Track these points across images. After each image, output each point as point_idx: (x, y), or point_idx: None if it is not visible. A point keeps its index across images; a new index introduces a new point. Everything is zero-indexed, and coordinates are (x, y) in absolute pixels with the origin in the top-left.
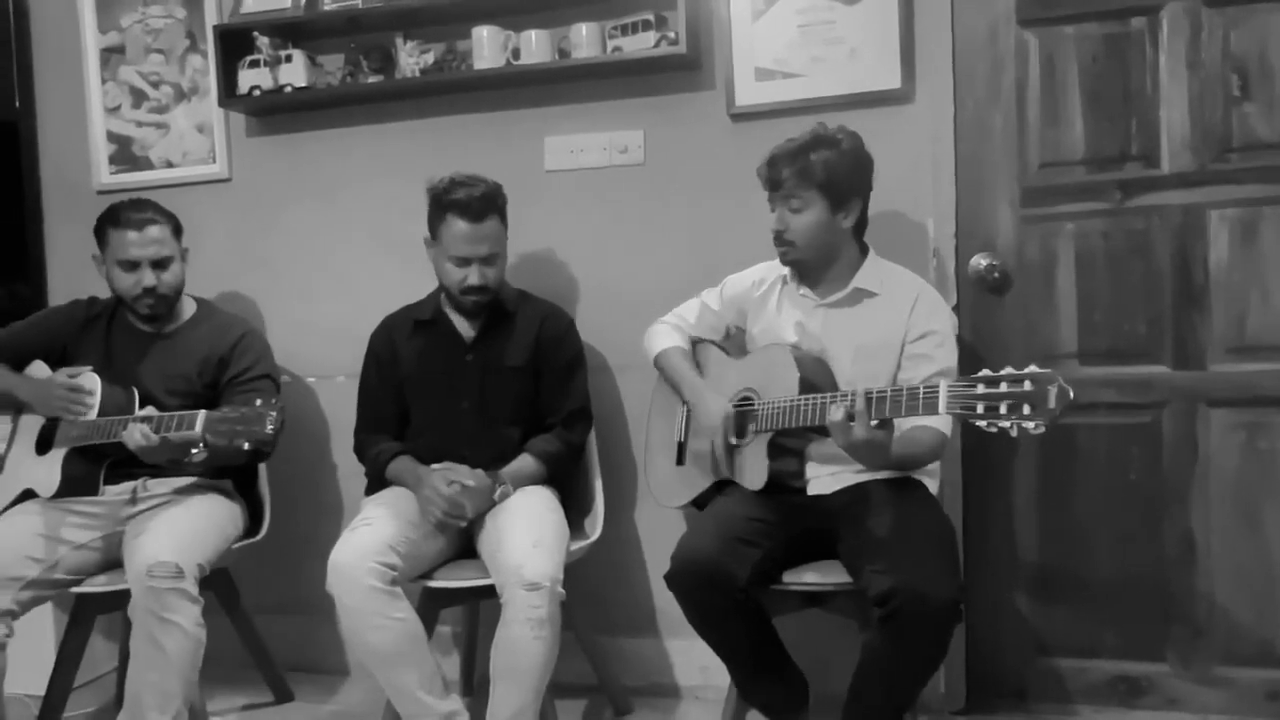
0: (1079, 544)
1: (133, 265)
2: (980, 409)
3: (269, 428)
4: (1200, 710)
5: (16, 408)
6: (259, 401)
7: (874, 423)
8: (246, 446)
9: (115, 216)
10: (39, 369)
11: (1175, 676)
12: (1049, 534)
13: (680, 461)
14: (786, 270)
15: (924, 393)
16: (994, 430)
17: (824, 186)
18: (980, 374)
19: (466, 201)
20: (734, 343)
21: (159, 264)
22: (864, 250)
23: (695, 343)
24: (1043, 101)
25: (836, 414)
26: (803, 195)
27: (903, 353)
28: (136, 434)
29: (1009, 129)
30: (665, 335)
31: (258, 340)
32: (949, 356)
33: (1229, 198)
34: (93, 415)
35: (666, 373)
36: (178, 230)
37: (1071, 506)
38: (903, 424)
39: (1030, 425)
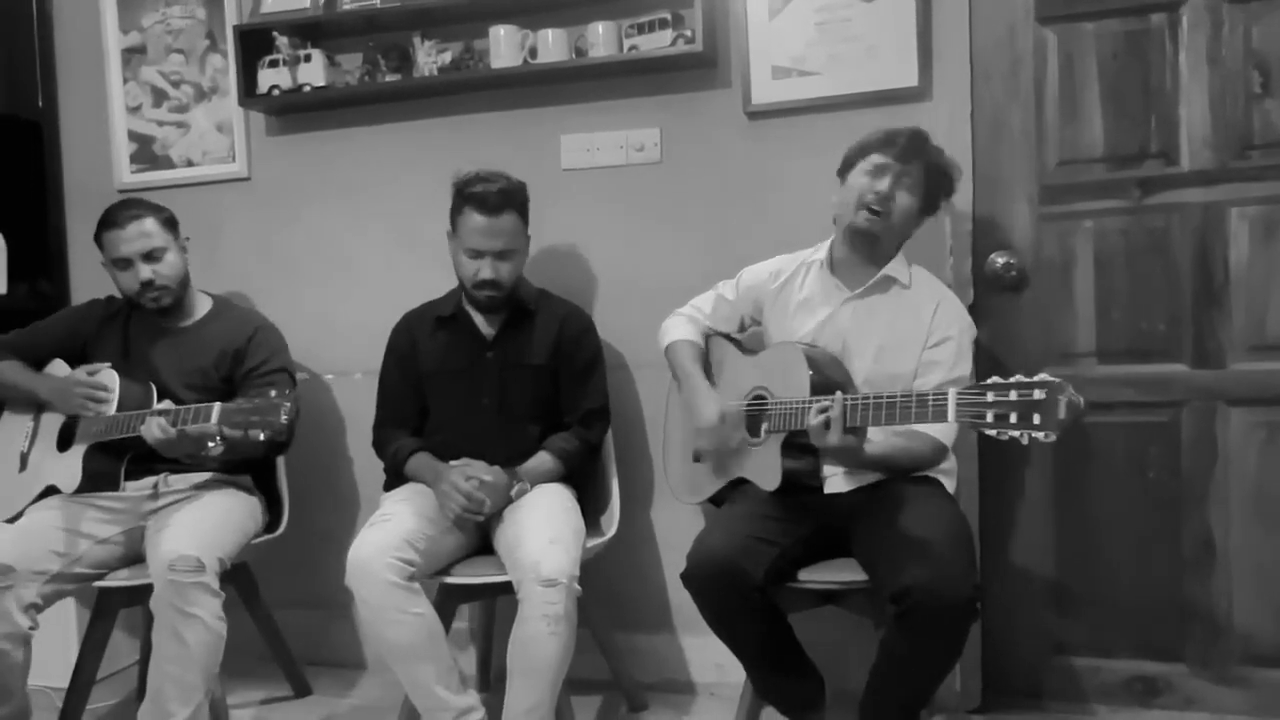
0: (1096, 543)
1: (126, 262)
2: (990, 417)
3: (283, 417)
4: (1217, 710)
5: (38, 406)
6: (273, 392)
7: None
8: (262, 437)
9: (105, 219)
10: (59, 368)
11: (1192, 676)
12: (1066, 532)
13: (696, 458)
14: (821, 256)
15: (933, 400)
16: (1004, 439)
17: (930, 182)
18: (990, 381)
19: (484, 195)
20: (750, 337)
21: (150, 256)
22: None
23: (710, 336)
24: (1061, 99)
25: (814, 419)
26: (918, 179)
27: (921, 357)
28: (154, 428)
29: (1027, 126)
30: (678, 328)
31: (273, 335)
32: (963, 365)
33: (1249, 195)
34: (111, 410)
35: (672, 367)
36: (170, 222)
37: (1089, 505)
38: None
39: (1040, 435)
